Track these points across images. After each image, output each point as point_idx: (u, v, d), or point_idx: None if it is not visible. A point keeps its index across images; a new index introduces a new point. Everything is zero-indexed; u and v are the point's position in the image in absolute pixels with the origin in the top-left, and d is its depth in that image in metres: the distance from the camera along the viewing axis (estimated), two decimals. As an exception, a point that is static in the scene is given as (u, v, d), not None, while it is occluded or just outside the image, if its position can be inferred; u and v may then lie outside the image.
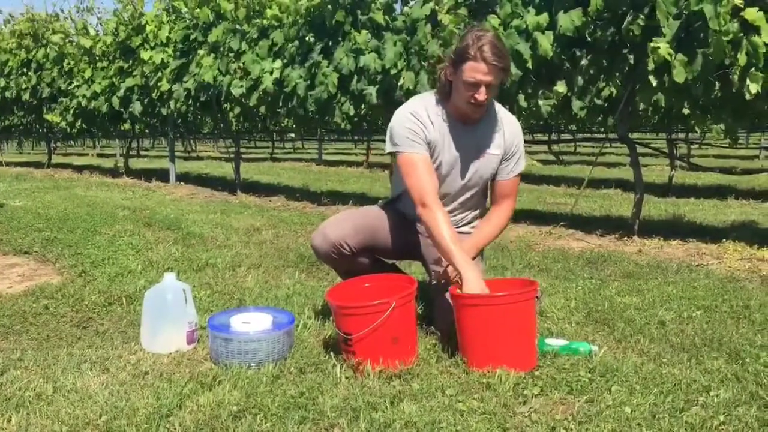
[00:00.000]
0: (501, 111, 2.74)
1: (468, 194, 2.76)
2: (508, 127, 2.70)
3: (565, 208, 6.38)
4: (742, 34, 3.74)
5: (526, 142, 9.24)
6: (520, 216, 5.73)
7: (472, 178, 2.71)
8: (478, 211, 2.85)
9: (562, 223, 5.21)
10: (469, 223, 2.83)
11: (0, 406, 1.99)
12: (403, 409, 1.93)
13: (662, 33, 4.02)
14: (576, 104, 4.83)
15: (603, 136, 13.44)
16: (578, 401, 1.99)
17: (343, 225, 2.73)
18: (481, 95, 2.49)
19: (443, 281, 2.58)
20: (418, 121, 2.61)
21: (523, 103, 4.88)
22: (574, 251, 4.33)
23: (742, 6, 3.70)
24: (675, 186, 7.97)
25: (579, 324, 2.75)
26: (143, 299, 2.59)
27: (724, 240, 4.44)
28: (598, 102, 5.07)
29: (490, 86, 2.50)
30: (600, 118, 5.45)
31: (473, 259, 2.59)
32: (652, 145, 7.51)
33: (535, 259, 4.08)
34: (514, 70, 4.71)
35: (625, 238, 4.69)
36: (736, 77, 3.82)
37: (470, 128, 2.66)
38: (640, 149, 5.22)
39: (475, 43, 2.46)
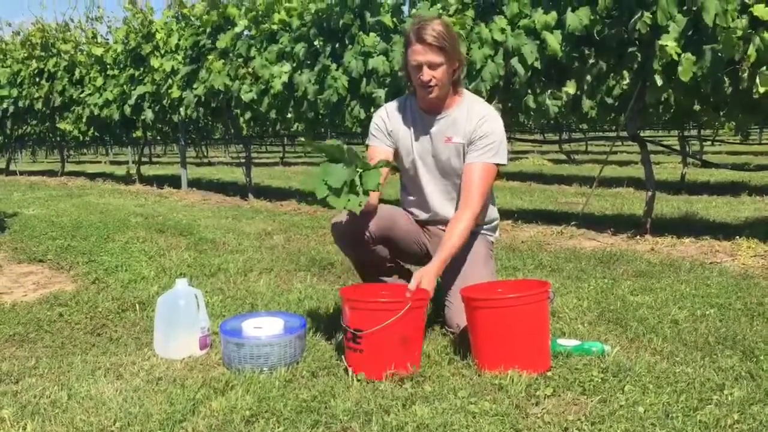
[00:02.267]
0: (475, 102, 2.74)
1: (449, 186, 2.76)
2: (477, 115, 2.66)
3: (576, 207, 6.35)
4: (751, 30, 3.72)
5: (536, 141, 9.12)
6: (531, 216, 5.72)
7: (445, 167, 2.72)
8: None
9: (573, 223, 5.19)
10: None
11: (15, 414, 2.01)
12: (416, 411, 1.94)
13: (666, 31, 4.01)
14: (586, 103, 4.83)
15: (614, 134, 13.38)
16: (591, 401, 1.98)
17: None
18: (425, 75, 2.55)
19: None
20: (385, 115, 2.79)
21: (532, 104, 4.87)
22: (585, 250, 4.31)
23: (751, 3, 3.69)
24: (687, 183, 7.92)
25: (591, 324, 2.74)
26: (156, 305, 2.61)
27: (738, 237, 4.41)
28: (609, 100, 5.07)
29: (433, 66, 2.55)
30: (611, 117, 5.44)
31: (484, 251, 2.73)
32: (664, 143, 7.48)
33: (546, 259, 4.07)
34: (521, 70, 4.71)
35: (638, 237, 4.67)
36: (745, 75, 3.80)
37: (437, 118, 2.71)
38: (652, 147, 5.19)
39: (413, 28, 2.57)
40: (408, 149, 2.77)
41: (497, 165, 2.67)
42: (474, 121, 2.66)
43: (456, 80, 2.66)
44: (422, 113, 2.74)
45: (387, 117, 2.79)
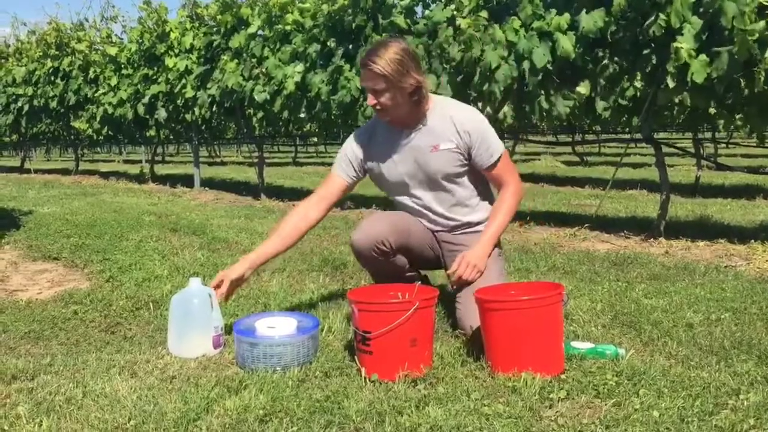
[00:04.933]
0: (449, 106, 2.76)
1: (444, 194, 2.76)
2: (458, 118, 2.69)
3: (589, 209, 6.33)
4: (768, 32, 3.70)
5: (549, 143, 9.02)
6: (544, 218, 5.70)
7: (436, 176, 2.72)
8: (479, 214, 2.82)
9: (586, 225, 5.17)
10: (478, 223, 2.82)
11: (31, 411, 2.02)
12: (429, 413, 1.93)
13: (681, 33, 3.99)
14: (600, 105, 4.80)
15: (628, 136, 13.31)
16: (605, 405, 1.97)
17: (382, 223, 2.75)
18: (369, 100, 2.63)
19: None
20: (355, 145, 2.83)
21: (545, 104, 4.85)
22: (599, 253, 4.29)
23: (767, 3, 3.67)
24: (702, 186, 7.87)
25: (605, 327, 2.73)
26: (169, 304, 2.62)
27: (753, 241, 4.37)
28: (623, 102, 5.03)
29: (376, 93, 2.59)
30: (624, 119, 5.41)
31: (494, 248, 2.72)
32: (678, 145, 7.43)
33: (559, 261, 4.06)
34: (532, 73, 4.70)
35: (651, 240, 4.65)
36: (762, 76, 3.77)
37: (413, 130, 2.72)
38: (665, 149, 5.17)
39: (365, 51, 2.62)
40: (392, 170, 2.77)
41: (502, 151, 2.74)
42: (459, 126, 2.68)
43: (417, 99, 2.65)
44: (396, 130, 2.74)
45: (358, 147, 2.82)
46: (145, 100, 9.14)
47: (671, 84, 4.09)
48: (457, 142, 2.68)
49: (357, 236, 2.75)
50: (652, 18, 4.09)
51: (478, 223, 2.81)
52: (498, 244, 2.83)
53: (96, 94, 10.28)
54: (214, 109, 8.26)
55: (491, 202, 2.87)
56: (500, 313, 2.25)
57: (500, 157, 2.71)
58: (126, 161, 21.49)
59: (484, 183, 2.85)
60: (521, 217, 5.70)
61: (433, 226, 2.84)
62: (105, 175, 12.88)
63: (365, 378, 2.21)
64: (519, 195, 2.77)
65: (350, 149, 2.84)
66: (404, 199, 2.85)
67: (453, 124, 2.68)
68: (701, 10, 3.97)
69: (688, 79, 4.00)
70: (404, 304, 2.23)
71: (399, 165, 2.75)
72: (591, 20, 4.42)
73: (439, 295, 2.39)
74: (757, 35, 3.69)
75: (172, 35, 8.55)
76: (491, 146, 2.70)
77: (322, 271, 3.92)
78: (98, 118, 10.37)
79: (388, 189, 2.87)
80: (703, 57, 3.93)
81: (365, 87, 2.64)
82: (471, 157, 2.70)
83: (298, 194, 8.49)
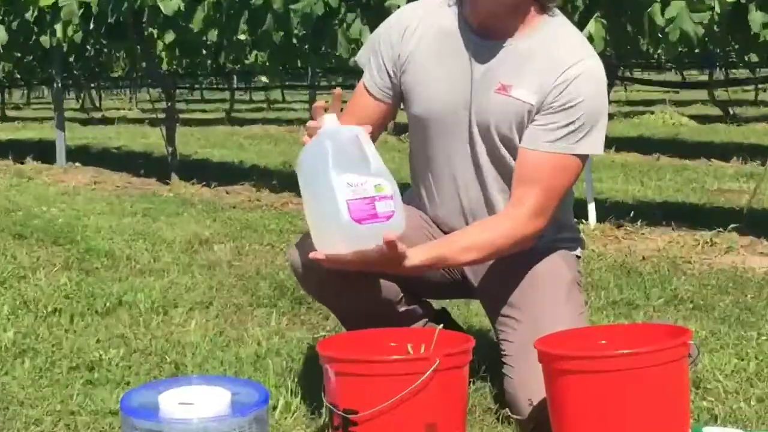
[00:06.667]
0: (570, 36, 2.70)
1: (494, 167, 2.70)
2: (567, 60, 2.59)
3: (737, 199, 6.34)
4: None
5: (669, 84, 9.12)
6: (658, 213, 5.72)
7: (481, 125, 2.65)
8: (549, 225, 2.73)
9: (732, 226, 5.18)
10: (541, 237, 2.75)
11: None
12: None
13: None
14: (755, 17, 4.81)
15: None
16: None
17: None
18: None
19: None
20: (400, 27, 2.74)
21: (660, 19, 4.87)
22: (755, 274, 4.31)
23: None
24: None
25: (762, 401, 2.74)
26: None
27: None
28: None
29: None
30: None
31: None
32: None
33: (685, 287, 4.07)
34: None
35: None
36: None
37: (493, 45, 2.64)
38: None
39: None
40: (426, 92, 2.71)
41: (581, 157, 2.62)
42: (560, 79, 2.56)
43: None
44: (470, 34, 2.68)
45: (401, 31, 2.73)
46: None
47: None
48: (538, 95, 2.57)
49: (292, 252, 2.70)
50: None
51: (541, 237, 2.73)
52: (575, 268, 2.82)
53: None
54: (90, 26, 8.25)
55: (569, 217, 2.90)
56: (583, 377, 2.25)
57: (569, 157, 2.58)
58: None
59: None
60: (620, 211, 5.71)
61: (441, 217, 2.80)
62: None
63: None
64: (518, 236, 2.59)
65: (386, 36, 2.77)
66: (430, 163, 2.77)
67: (556, 68, 2.58)
68: None
69: None
70: (415, 363, 2.24)
71: (442, 90, 2.68)
72: None
73: (474, 347, 2.39)
74: None
75: None
76: (578, 127, 2.55)
77: (276, 307, 3.93)
78: None
79: (412, 130, 2.81)
80: None
81: None
82: (535, 120, 2.59)
83: (236, 174, 8.50)
